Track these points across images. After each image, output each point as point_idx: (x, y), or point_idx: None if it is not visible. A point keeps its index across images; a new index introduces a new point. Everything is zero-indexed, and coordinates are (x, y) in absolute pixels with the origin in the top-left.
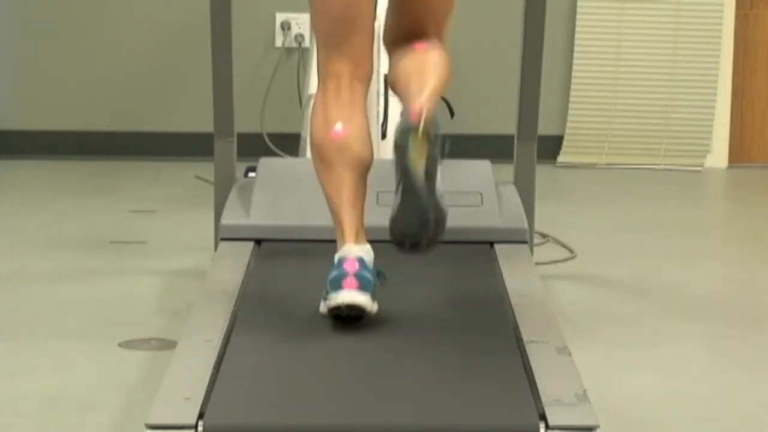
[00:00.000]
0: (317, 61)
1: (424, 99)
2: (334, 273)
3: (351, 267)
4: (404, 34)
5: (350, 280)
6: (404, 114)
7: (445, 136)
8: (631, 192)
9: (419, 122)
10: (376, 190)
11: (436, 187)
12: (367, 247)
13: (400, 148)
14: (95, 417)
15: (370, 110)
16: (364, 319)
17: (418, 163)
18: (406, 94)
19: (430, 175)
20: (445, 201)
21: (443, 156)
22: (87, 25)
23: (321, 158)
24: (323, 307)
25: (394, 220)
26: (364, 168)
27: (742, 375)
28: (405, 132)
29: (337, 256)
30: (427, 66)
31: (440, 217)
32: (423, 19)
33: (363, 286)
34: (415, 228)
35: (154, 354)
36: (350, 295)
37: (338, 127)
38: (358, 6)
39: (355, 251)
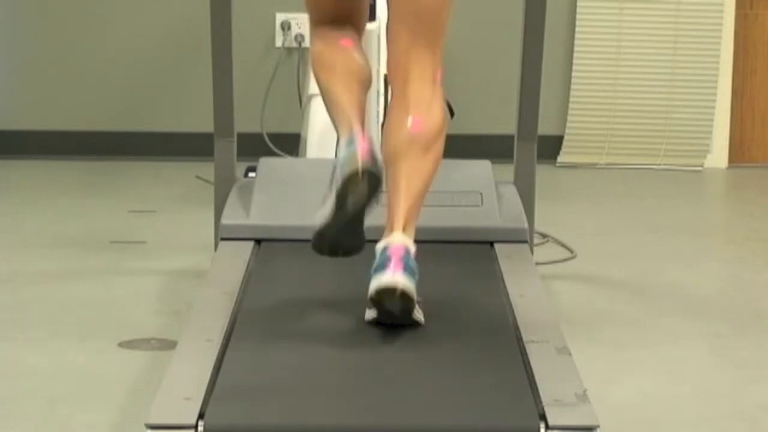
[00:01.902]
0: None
1: (401, 233)
2: (344, 151)
3: (363, 140)
4: (400, 44)
5: (363, 147)
6: (380, 274)
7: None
8: (631, 192)
9: (397, 286)
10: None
11: (414, 311)
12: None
13: (378, 300)
14: (95, 417)
15: (369, 110)
16: (363, 318)
17: (396, 308)
18: (388, 204)
19: (409, 311)
20: (420, 314)
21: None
22: (87, 25)
23: (325, 65)
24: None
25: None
26: (367, 81)
27: (742, 375)
28: (383, 292)
29: (345, 138)
30: (414, 173)
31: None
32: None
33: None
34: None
35: (154, 354)
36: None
37: (343, 40)
38: (351, 9)
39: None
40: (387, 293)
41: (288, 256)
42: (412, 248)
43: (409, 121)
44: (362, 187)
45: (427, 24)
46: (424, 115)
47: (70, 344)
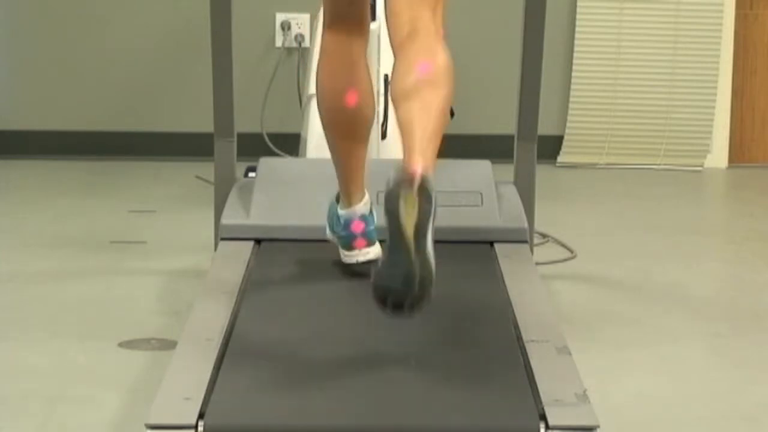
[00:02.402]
0: (322, 14)
1: (420, 155)
2: (343, 233)
3: (357, 228)
4: (402, 24)
5: (360, 241)
6: (398, 170)
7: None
8: (631, 192)
9: (413, 182)
10: (377, 190)
11: (427, 245)
12: (366, 197)
13: (391, 196)
14: (95, 417)
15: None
16: (363, 318)
17: (408, 216)
18: (403, 141)
19: (422, 229)
20: (433, 261)
21: (435, 215)
22: (87, 25)
23: (330, 123)
24: (330, 237)
25: (377, 274)
26: (369, 127)
27: (742, 375)
28: (398, 184)
29: (343, 213)
30: (426, 108)
31: (427, 276)
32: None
33: (370, 241)
34: (398, 284)
35: (154, 354)
36: (363, 254)
37: (348, 94)
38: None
39: (359, 209)
40: (405, 183)
41: (288, 256)
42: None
43: (416, 65)
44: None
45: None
46: (431, 58)
47: (70, 344)
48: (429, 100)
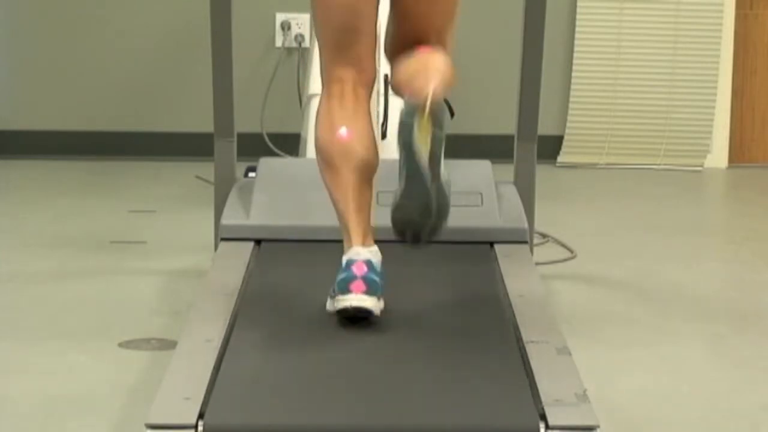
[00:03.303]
0: (320, 66)
1: (430, 84)
2: (342, 275)
3: (359, 270)
4: (406, 44)
5: (358, 284)
6: (410, 96)
7: (450, 109)
8: (631, 192)
9: (426, 102)
10: (376, 190)
11: (441, 173)
12: (375, 248)
13: (405, 127)
14: (95, 417)
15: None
16: (363, 319)
17: (422, 144)
18: (411, 86)
19: (435, 157)
20: (449, 189)
21: (448, 130)
22: (87, 25)
23: (326, 162)
24: (330, 305)
25: (396, 207)
26: (369, 171)
27: (742, 375)
28: (410, 112)
29: (345, 258)
30: (431, 65)
31: (443, 204)
32: (424, 29)
33: (371, 289)
34: (417, 215)
35: (154, 354)
36: (358, 299)
37: (343, 131)
38: (361, 14)
39: (363, 254)
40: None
41: (288, 256)
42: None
43: (415, 52)
44: (356, 315)
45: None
46: (429, 46)
47: (70, 344)
48: (432, 57)
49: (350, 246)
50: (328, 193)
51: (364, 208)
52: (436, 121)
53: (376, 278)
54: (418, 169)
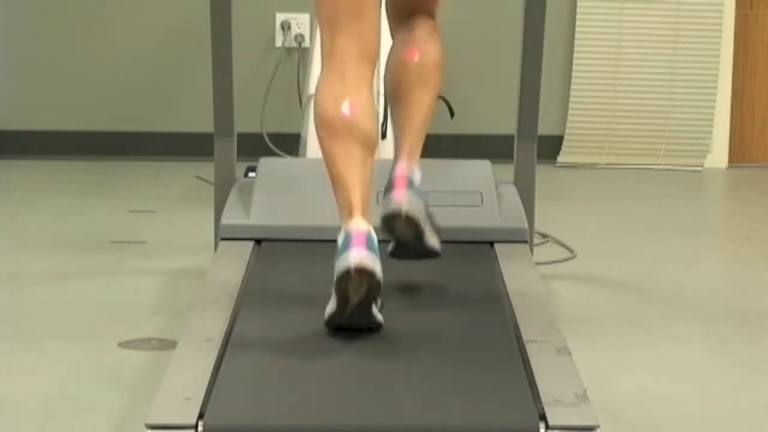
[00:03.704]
0: (321, 42)
1: (406, 161)
2: (340, 243)
3: (359, 239)
4: (401, 9)
5: (359, 239)
6: (387, 198)
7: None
8: (631, 192)
9: (401, 209)
10: (376, 190)
11: (425, 236)
12: (371, 227)
13: (388, 228)
14: (95, 417)
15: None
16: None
17: (406, 234)
18: (394, 137)
19: (420, 236)
20: (436, 241)
21: (432, 225)
22: (87, 25)
23: (330, 135)
24: (330, 308)
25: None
26: (372, 145)
27: (742, 375)
28: (389, 218)
29: (343, 231)
30: (414, 101)
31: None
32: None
33: (372, 253)
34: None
35: (154, 354)
36: (359, 255)
37: (346, 105)
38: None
39: (364, 226)
40: (393, 218)
41: (288, 256)
42: (417, 173)
43: (406, 55)
44: (360, 285)
45: None
46: (421, 49)
47: (70, 344)
48: (418, 100)
49: (350, 217)
50: (328, 167)
51: (368, 182)
52: (413, 220)
53: (376, 250)
54: (405, 246)
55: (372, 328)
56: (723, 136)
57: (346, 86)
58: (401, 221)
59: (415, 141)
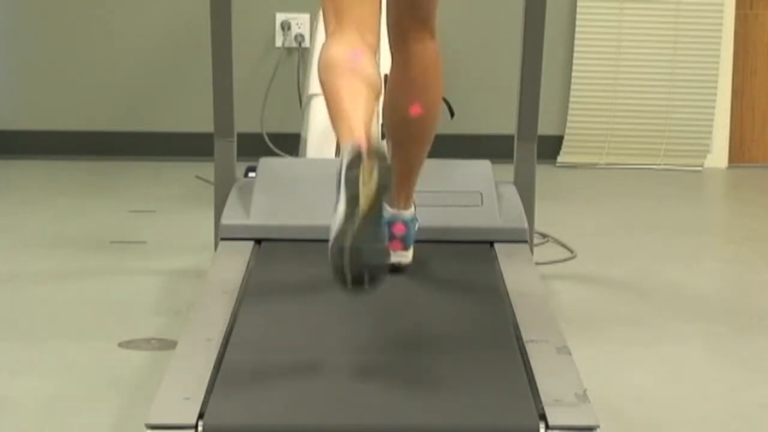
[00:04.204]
0: (324, 27)
1: (403, 209)
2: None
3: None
4: (397, 19)
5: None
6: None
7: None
8: (631, 192)
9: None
10: None
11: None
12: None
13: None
14: (95, 417)
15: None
16: (363, 318)
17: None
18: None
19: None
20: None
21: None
22: (87, 25)
23: (333, 74)
24: (339, 215)
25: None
26: (377, 89)
27: (742, 375)
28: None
29: (345, 150)
30: (414, 152)
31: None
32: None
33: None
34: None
35: (154, 354)
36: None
37: (351, 52)
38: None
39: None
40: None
41: (288, 256)
42: (412, 220)
43: (410, 108)
44: (372, 172)
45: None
46: (425, 100)
47: (70, 344)
48: (416, 146)
49: (351, 136)
50: (330, 102)
51: (371, 118)
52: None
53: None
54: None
55: (384, 249)
56: (723, 136)
57: (350, 48)
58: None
59: (413, 188)
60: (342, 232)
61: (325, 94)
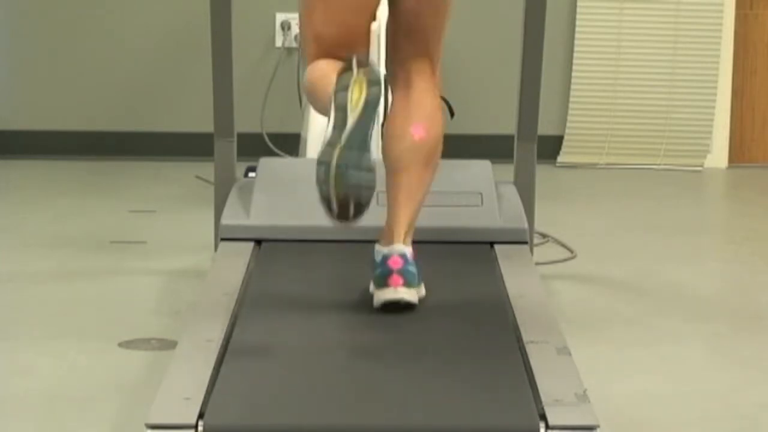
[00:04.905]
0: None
1: (402, 245)
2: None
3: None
4: (397, 43)
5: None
6: (381, 283)
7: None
8: (631, 192)
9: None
10: (376, 191)
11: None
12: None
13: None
14: (95, 417)
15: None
16: (363, 318)
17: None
18: (388, 206)
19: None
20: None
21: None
22: (87, 25)
23: (317, 81)
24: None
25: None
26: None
27: (742, 375)
28: (389, 304)
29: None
30: (415, 180)
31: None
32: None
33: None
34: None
35: (154, 354)
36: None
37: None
38: (359, 18)
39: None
40: (391, 305)
41: (288, 256)
42: (410, 254)
43: (412, 130)
44: (361, 87)
45: (425, 34)
46: (427, 124)
47: (70, 344)
48: (419, 177)
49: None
50: (316, 95)
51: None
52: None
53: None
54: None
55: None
56: (723, 136)
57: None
58: (401, 307)
59: (413, 219)
60: (328, 149)
61: (312, 96)
